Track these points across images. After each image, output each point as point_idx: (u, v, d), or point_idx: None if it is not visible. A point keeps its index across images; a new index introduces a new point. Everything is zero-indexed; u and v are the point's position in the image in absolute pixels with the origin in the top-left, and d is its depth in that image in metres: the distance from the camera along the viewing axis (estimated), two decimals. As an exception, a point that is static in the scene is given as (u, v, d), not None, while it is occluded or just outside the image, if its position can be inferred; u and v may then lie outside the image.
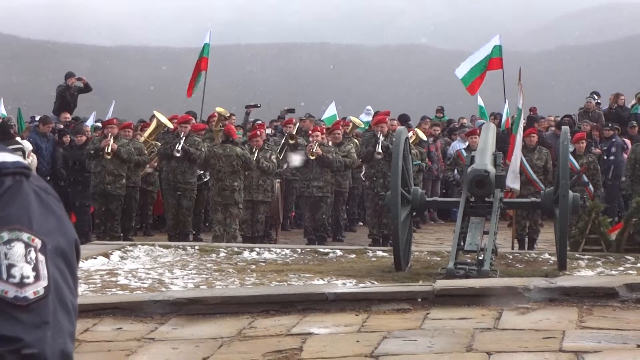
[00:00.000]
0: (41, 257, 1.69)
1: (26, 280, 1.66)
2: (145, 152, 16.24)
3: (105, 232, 15.48)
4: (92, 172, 15.50)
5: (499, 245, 11.46)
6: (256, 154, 15.20)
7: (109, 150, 15.26)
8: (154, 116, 17.83)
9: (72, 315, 1.72)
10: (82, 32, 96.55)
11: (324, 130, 16.64)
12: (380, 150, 14.84)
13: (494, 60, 17.31)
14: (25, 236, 1.69)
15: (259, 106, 21.21)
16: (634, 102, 21.11)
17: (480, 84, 16.81)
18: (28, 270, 1.67)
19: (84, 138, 16.56)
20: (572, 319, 6.99)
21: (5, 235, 1.67)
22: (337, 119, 19.79)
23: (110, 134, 15.51)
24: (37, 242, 1.69)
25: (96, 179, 15.43)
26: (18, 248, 1.68)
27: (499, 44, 17.03)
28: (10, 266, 1.66)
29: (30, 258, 1.68)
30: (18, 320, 1.64)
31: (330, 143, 16.26)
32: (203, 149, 15.42)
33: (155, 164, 16.69)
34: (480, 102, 22.76)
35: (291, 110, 20.66)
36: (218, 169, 14.75)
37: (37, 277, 1.67)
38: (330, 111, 21.15)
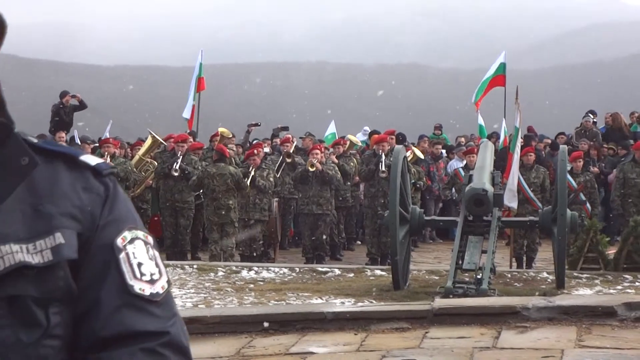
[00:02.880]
0: (157, 253, 1.77)
1: (154, 277, 1.74)
2: (135, 170, 16.24)
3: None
4: None
5: (497, 264, 11.45)
6: (252, 173, 15.21)
7: None
8: (149, 134, 17.85)
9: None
10: (81, 52, 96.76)
11: (323, 149, 16.69)
12: (384, 169, 14.82)
13: (498, 78, 17.36)
14: (141, 234, 1.76)
15: (260, 125, 21.25)
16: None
17: (481, 98, 16.82)
18: (153, 267, 1.74)
19: None
20: (570, 338, 6.99)
21: (128, 235, 1.73)
22: (337, 138, 19.84)
23: (107, 153, 15.52)
24: (150, 239, 1.78)
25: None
26: (140, 246, 1.74)
27: (504, 62, 17.09)
28: (139, 264, 1.72)
29: (151, 255, 1.75)
30: (156, 316, 1.71)
31: (334, 157, 16.35)
32: (200, 167, 15.43)
33: (151, 182, 16.67)
34: (480, 121, 22.80)
35: (285, 128, 20.68)
36: (212, 188, 14.75)
37: (160, 273, 1.76)
38: (330, 130, 21.23)
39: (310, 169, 15.68)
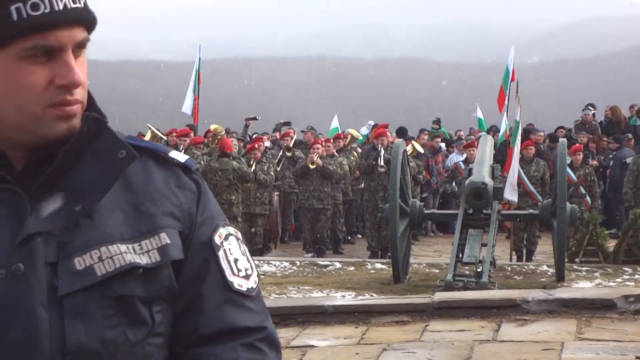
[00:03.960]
0: (246, 248, 1.80)
1: (249, 272, 1.76)
2: None
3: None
4: None
5: (497, 257, 11.48)
6: (254, 167, 15.23)
7: None
8: (148, 130, 17.87)
9: None
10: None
11: (324, 143, 16.73)
12: (382, 163, 14.84)
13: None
14: (232, 230, 1.78)
15: (258, 119, 21.25)
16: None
17: (502, 99, 16.42)
18: (246, 262, 1.77)
19: None
20: (570, 331, 7.02)
21: (223, 232, 1.75)
22: (339, 132, 19.87)
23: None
24: (239, 234, 1.80)
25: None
26: (234, 242, 1.77)
27: (511, 57, 16.93)
28: (236, 261, 1.75)
29: (243, 250, 1.77)
30: (253, 311, 1.74)
31: (334, 150, 16.37)
32: (202, 162, 15.44)
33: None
34: (479, 114, 22.79)
35: (287, 123, 20.70)
36: (215, 183, 14.77)
37: (252, 268, 1.78)
38: (334, 125, 21.25)
39: (311, 166, 15.69)
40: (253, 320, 1.73)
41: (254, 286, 1.76)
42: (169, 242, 1.67)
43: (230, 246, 1.75)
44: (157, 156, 1.75)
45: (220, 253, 1.73)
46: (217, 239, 1.74)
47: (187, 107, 19.11)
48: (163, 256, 1.66)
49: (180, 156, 1.77)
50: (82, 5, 1.60)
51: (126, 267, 1.62)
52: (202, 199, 1.76)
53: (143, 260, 1.64)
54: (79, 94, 1.62)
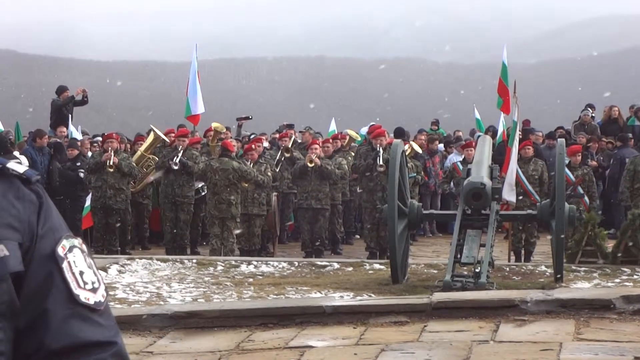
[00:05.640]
0: (93, 261, 1.74)
1: (95, 285, 1.70)
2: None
3: (104, 246, 15.47)
4: (93, 186, 15.48)
5: (495, 257, 11.48)
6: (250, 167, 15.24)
7: (111, 164, 15.27)
8: (150, 130, 17.81)
9: None
10: (80, 48, 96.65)
11: (322, 143, 16.73)
12: (382, 162, 14.83)
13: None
14: (77, 242, 1.72)
15: (251, 118, 21.26)
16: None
17: (505, 94, 16.27)
18: (92, 276, 1.70)
19: (75, 152, 16.61)
20: (569, 331, 7.01)
21: (67, 243, 1.70)
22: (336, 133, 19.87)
23: (110, 148, 15.50)
24: (84, 246, 1.74)
25: (97, 193, 15.40)
26: (79, 255, 1.71)
27: (504, 59, 16.84)
28: (81, 273, 1.68)
29: (89, 263, 1.71)
30: (101, 325, 1.68)
31: (322, 155, 16.36)
32: (201, 164, 15.45)
33: (152, 179, 16.68)
34: (477, 115, 22.78)
35: (290, 126, 20.73)
36: (214, 182, 14.79)
37: (99, 281, 1.72)
38: (331, 128, 21.27)
39: (309, 165, 15.70)
40: (103, 334, 1.67)
41: (102, 300, 1.70)
42: (7, 254, 1.61)
43: (75, 258, 1.69)
44: None
45: (65, 265, 1.67)
46: (60, 251, 1.68)
47: (201, 106, 18.64)
48: (1, 269, 1.60)
49: (18, 167, 1.73)
50: None
51: None
52: (44, 210, 1.70)
53: None
54: None
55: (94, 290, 1.68)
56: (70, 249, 1.69)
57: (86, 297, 1.67)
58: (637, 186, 16.27)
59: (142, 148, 17.07)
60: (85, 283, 1.67)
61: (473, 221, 10.87)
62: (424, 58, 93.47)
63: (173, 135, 16.94)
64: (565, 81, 77.88)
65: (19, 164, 1.76)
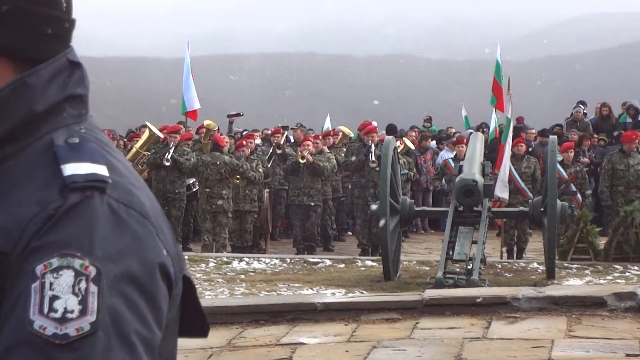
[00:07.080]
0: (93, 288, 1.42)
1: (69, 315, 1.40)
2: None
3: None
4: None
5: (487, 254, 11.48)
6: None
7: None
8: (144, 126, 17.76)
9: (137, 351, 1.43)
10: (72, 44, 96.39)
11: (314, 140, 16.70)
12: (374, 159, 14.81)
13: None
14: (77, 263, 1.42)
15: (242, 115, 21.23)
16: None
17: (499, 92, 16.23)
18: (74, 304, 1.40)
19: None
20: (560, 328, 7.01)
21: (55, 262, 1.42)
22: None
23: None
24: (91, 270, 1.43)
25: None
26: (66, 277, 1.41)
27: (497, 57, 16.81)
28: (53, 298, 1.40)
29: (79, 289, 1.41)
30: None
31: (314, 151, 16.35)
32: (192, 159, 15.42)
33: (147, 176, 16.62)
34: (464, 112, 22.84)
35: (285, 128, 20.75)
36: (206, 177, 14.77)
37: (83, 312, 1.40)
38: (326, 125, 21.27)
39: (301, 161, 15.68)
40: None
41: (71, 334, 1.38)
42: None
43: (55, 281, 1.41)
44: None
45: (35, 285, 1.40)
46: (39, 269, 1.41)
47: (196, 103, 18.55)
48: None
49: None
50: None
51: None
52: (60, 221, 1.46)
53: None
54: None
55: (62, 320, 1.39)
56: (57, 270, 1.41)
57: (43, 325, 1.38)
58: (616, 183, 16.00)
59: (138, 145, 17.01)
60: (51, 309, 1.39)
61: (465, 218, 10.87)
62: (415, 55, 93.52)
63: (166, 131, 16.90)
64: (557, 78, 78.01)
65: (91, 162, 1.56)
